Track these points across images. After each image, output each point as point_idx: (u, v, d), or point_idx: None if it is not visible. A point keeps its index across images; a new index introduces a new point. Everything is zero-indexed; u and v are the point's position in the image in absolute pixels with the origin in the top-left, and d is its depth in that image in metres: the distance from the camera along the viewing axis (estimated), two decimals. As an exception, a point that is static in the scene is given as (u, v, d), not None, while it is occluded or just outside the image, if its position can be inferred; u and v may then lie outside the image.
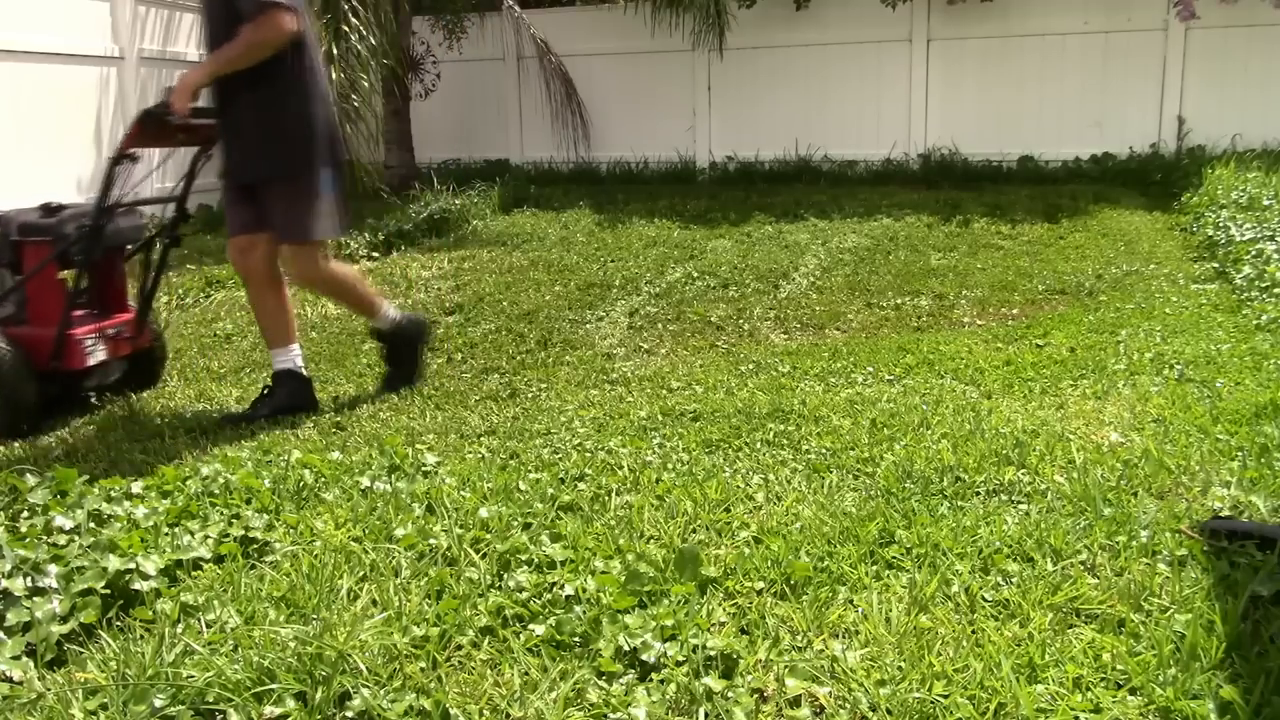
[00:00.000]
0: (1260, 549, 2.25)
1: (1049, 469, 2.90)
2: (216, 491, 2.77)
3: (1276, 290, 4.89)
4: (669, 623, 2.05)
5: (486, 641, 2.07)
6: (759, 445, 3.24)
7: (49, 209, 3.80)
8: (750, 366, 4.33)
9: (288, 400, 3.83)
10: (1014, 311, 5.29)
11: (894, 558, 2.38)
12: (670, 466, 3.04)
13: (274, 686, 1.85)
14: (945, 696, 1.84)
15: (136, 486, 2.79)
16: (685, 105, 11.32)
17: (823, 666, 1.95)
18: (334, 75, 8.46)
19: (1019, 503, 2.68)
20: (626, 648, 1.98)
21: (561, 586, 2.24)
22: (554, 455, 3.23)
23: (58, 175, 7.77)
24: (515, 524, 2.57)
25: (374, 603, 2.20)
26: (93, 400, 4.00)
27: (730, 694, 1.86)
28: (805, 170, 10.78)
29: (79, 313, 3.82)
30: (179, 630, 2.09)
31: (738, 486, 2.85)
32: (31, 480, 2.83)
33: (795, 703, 1.86)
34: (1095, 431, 3.26)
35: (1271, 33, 9.35)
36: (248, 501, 2.75)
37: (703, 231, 7.91)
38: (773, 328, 5.12)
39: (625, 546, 2.44)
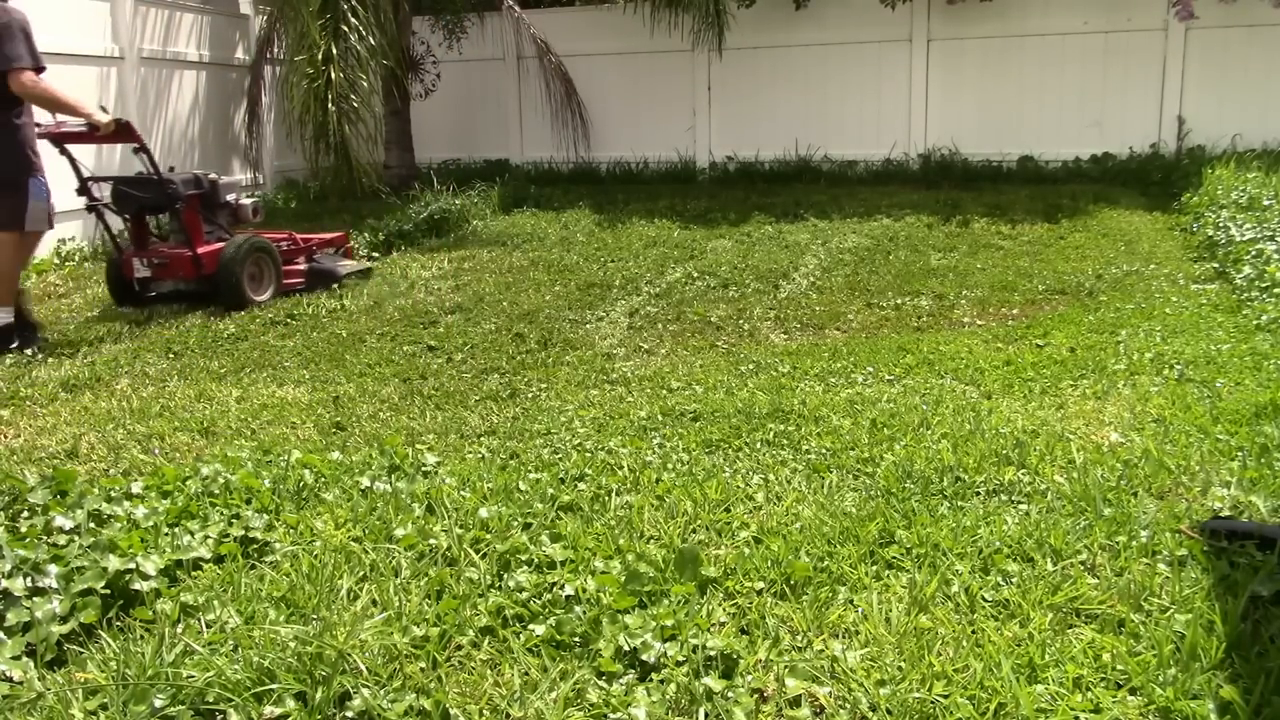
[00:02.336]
0: (1260, 549, 2.25)
1: (1049, 469, 2.90)
2: (216, 491, 2.77)
3: (1276, 290, 4.89)
4: (669, 623, 2.05)
5: (486, 641, 2.07)
6: (759, 445, 3.24)
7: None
8: (750, 366, 4.33)
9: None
10: (1014, 311, 5.29)
11: (894, 558, 2.38)
12: (670, 466, 3.04)
13: (274, 686, 1.85)
14: (945, 696, 1.84)
15: (136, 486, 2.79)
16: (685, 105, 11.32)
17: (823, 666, 1.95)
18: (333, 75, 8.46)
19: (1019, 503, 2.68)
20: (626, 648, 1.98)
21: (561, 586, 2.24)
22: (554, 455, 3.23)
23: (58, 174, 7.75)
24: (515, 524, 2.57)
25: (374, 603, 2.20)
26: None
27: (730, 694, 1.86)
28: (805, 170, 10.78)
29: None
30: (179, 630, 2.09)
31: (738, 486, 2.85)
32: (31, 480, 2.83)
33: (795, 703, 1.86)
34: (1095, 431, 3.26)
35: (1271, 33, 9.35)
36: (248, 501, 2.75)
37: (703, 231, 7.91)
38: (773, 328, 5.12)
39: (625, 546, 2.44)
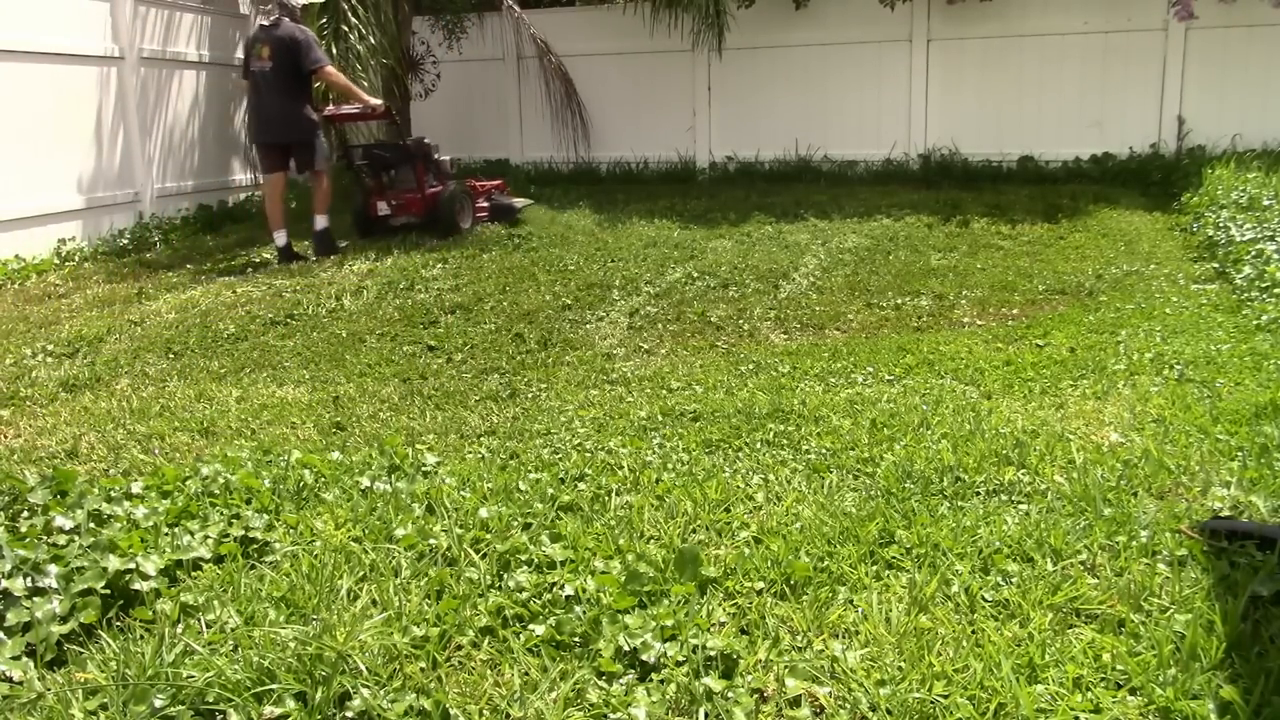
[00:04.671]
0: (1260, 549, 2.25)
1: (1049, 469, 2.90)
2: (216, 491, 2.77)
3: (1276, 290, 4.89)
4: (669, 623, 2.05)
5: (486, 641, 2.07)
6: (759, 445, 3.24)
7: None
8: (750, 366, 4.33)
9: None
10: (1014, 311, 5.29)
11: (894, 558, 2.38)
12: (670, 466, 3.04)
13: (274, 686, 1.85)
14: (945, 696, 1.84)
15: (136, 486, 2.79)
16: (685, 105, 11.31)
17: (823, 666, 1.95)
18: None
19: (1019, 503, 2.68)
20: (626, 648, 1.98)
21: (561, 586, 2.24)
22: (554, 455, 3.23)
23: (58, 175, 7.77)
24: (515, 524, 2.57)
25: (374, 603, 2.20)
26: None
27: (730, 694, 1.86)
28: (805, 170, 10.78)
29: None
30: (179, 630, 2.10)
31: (738, 486, 2.85)
32: (31, 480, 2.83)
33: (795, 703, 1.86)
34: (1095, 431, 3.26)
35: (1271, 33, 9.35)
36: (248, 501, 2.75)
37: (703, 231, 7.91)
38: (773, 328, 5.12)
39: (625, 546, 2.44)
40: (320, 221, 7.45)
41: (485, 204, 8.42)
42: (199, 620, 2.13)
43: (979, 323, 5.09)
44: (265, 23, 7.14)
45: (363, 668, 1.92)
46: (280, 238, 7.27)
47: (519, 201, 8.68)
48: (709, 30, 10.16)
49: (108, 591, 2.22)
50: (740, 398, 3.81)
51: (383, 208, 7.93)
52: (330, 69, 7.14)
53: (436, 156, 8.11)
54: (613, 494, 2.81)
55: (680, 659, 1.95)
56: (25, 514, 2.63)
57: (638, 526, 2.58)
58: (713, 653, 1.96)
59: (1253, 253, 5.59)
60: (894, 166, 10.59)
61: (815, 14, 10.70)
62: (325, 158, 7.40)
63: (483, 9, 11.45)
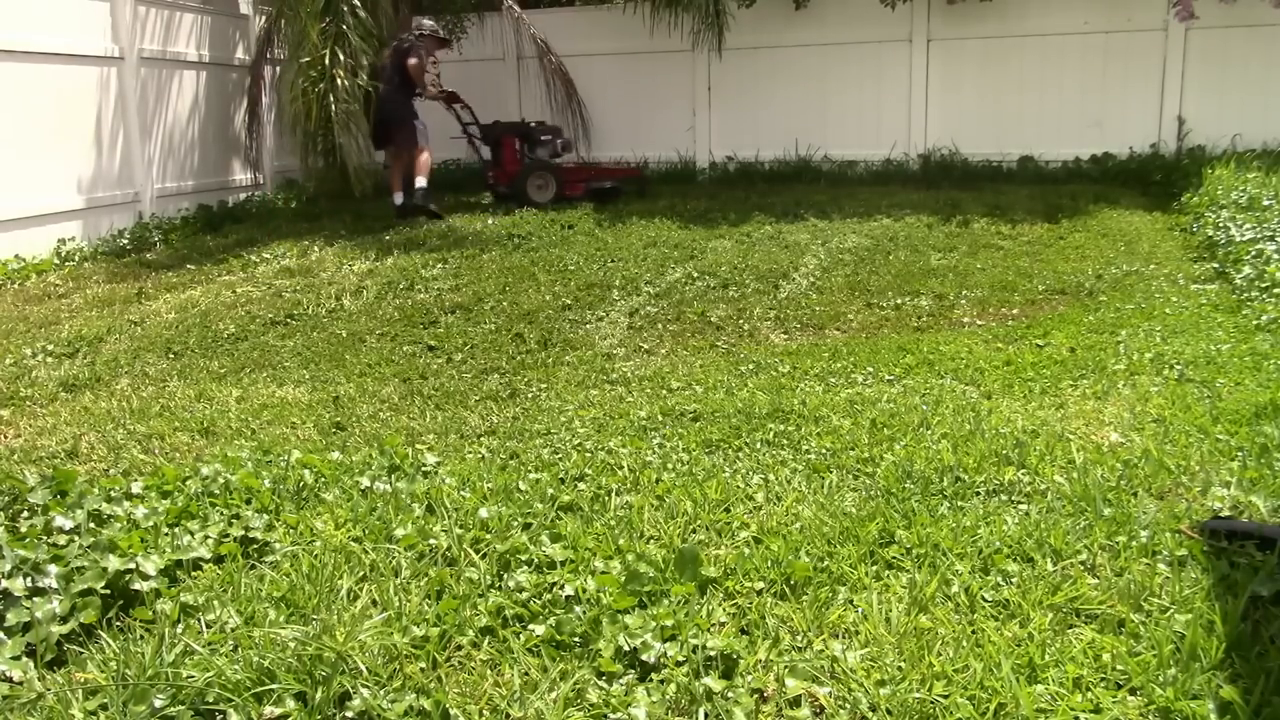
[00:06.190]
0: (1260, 549, 2.25)
1: (1049, 469, 2.90)
2: (216, 491, 2.77)
3: (1276, 290, 4.89)
4: (669, 623, 2.05)
5: (486, 641, 2.07)
6: (759, 445, 3.24)
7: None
8: (750, 366, 4.33)
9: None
10: (1014, 311, 5.29)
11: (894, 558, 2.38)
12: (670, 466, 3.04)
13: (274, 686, 1.85)
14: (945, 696, 1.84)
15: (136, 486, 2.79)
16: (685, 105, 11.31)
17: (823, 666, 1.95)
18: (340, 79, 8.43)
19: (1019, 503, 2.68)
20: (626, 648, 1.98)
21: (561, 586, 2.24)
22: (554, 455, 3.23)
23: (58, 175, 7.77)
24: (515, 524, 2.57)
25: (374, 603, 2.20)
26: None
27: (730, 694, 1.86)
28: (805, 170, 10.77)
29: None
30: (179, 630, 2.10)
31: (738, 486, 2.85)
32: (31, 480, 2.83)
33: (795, 703, 1.86)
34: (1095, 431, 3.26)
35: (1271, 33, 9.34)
36: (248, 501, 2.75)
37: (703, 231, 7.91)
38: (773, 328, 5.12)
39: (625, 546, 2.44)
40: (419, 182, 8.90)
41: (580, 183, 9.95)
42: (199, 620, 2.13)
43: (979, 323, 5.09)
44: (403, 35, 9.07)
45: (363, 668, 1.92)
46: (398, 198, 8.86)
47: (609, 182, 10.15)
48: (709, 30, 10.17)
49: (108, 591, 2.22)
50: (740, 398, 3.81)
51: (490, 178, 9.95)
52: (415, 61, 8.87)
53: (544, 138, 9.79)
54: (613, 494, 2.81)
55: (680, 659, 1.95)
56: (25, 514, 2.63)
57: (638, 526, 2.59)
58: (713, 653, 1.97)
59: (1253, 253, 5.59)
60: (894, 166, 10.58)
61: (815, 14, 10.70)
62: (425, 134, 8.99)
63: (483, 9, 11.45)
